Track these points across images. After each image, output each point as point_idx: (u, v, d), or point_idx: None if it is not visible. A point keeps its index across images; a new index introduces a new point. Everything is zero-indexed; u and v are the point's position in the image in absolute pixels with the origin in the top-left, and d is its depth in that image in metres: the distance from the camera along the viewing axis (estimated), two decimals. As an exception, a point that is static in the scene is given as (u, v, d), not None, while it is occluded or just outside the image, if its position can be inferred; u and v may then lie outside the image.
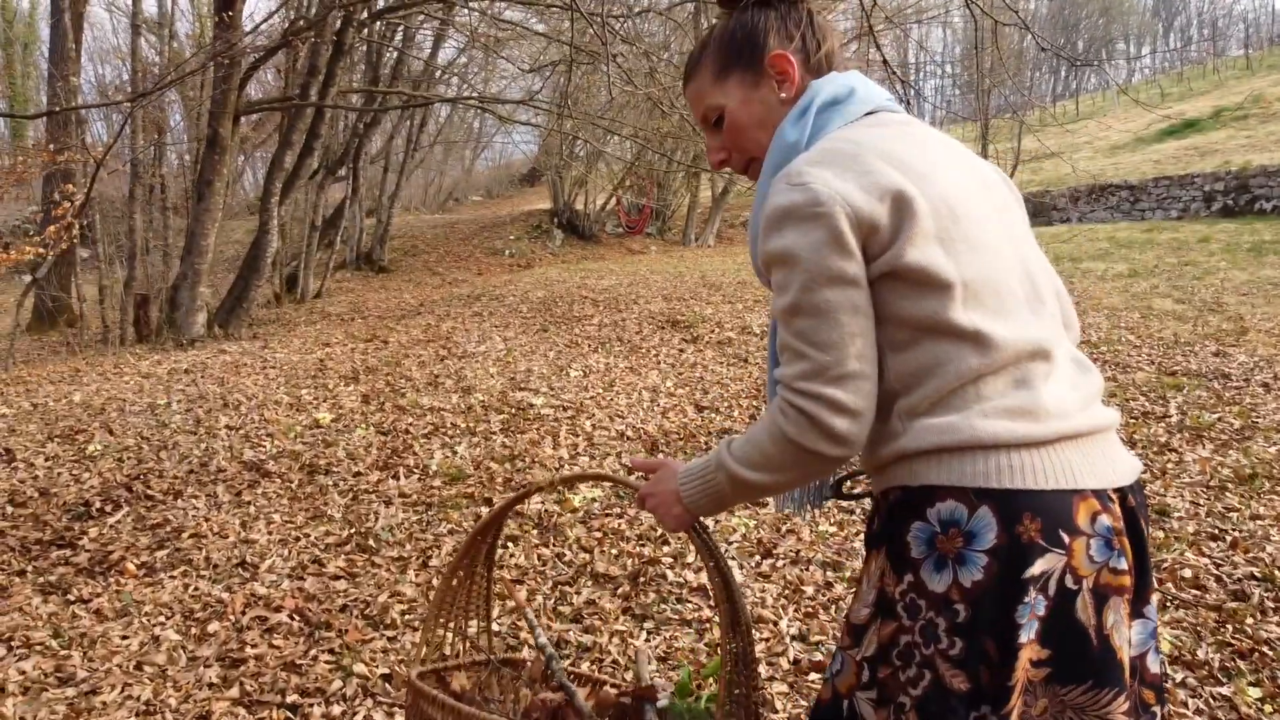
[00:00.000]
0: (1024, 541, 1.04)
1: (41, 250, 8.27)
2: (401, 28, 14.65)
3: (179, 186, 14.54)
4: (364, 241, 20.12)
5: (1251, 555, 3.02)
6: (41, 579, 3.31)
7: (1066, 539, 1.04)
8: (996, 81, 23.43)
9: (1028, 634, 1.04)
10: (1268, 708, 2.19)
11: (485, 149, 35.26)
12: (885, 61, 7.64)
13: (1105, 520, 1.07)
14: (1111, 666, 1.07)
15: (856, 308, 1.12)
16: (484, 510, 3.84)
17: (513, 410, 5.55)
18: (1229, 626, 2.57)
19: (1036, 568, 1.04)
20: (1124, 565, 1.09)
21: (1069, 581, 1.05)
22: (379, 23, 13.03)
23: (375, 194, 21.49)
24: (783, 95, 1.29)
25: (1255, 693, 2.24)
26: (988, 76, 22.60)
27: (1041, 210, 20.93)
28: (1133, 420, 4.88)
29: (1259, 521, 3.30)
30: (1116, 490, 1.12)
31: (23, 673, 2.60)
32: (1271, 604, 2.69)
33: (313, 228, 16.19)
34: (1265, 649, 2.45)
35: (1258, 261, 11.51)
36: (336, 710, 2.36)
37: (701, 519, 1.35)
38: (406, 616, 2.90)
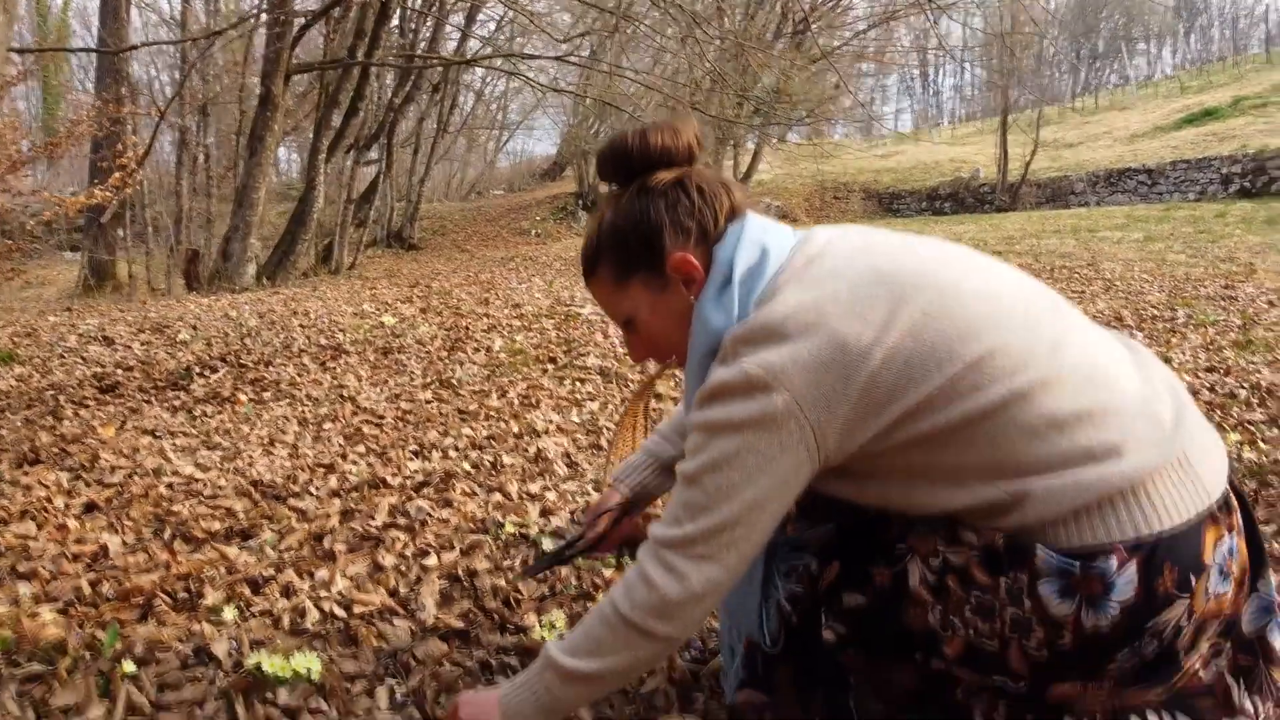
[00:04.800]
0: (1159, 595, 1.00)
1: (109, 195, 8.75)
2: (436, 4, 15.13)
3: (223, 154, 15.06)
4: (394, 220, 20.65)
5: (1239, 379, 3.41)
6: (166, 404, 3.75)
7: (1193, 581, 1.01)
8: (1012, 72, 23.75)
9: (1118, 666, 1.03)
10: (1246, 449, 2.58)
11: (510, 139, 35.76)
12: (942, 41, 7.97)
13: (1226, 542, 1.04)
14: (1169, 660, 1.06)
15: (760, 503, 1.05)
16: (550, 366, 4.26)
17: (562, 316, 5.97)
18: (1217, 412, 2.97)
19: (1162, 617, 1.01)
20: (1227, 588, 1.06)
21: (1183, 623, 1.02)
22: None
23: (404, 179, 22.06)
24: (692, 297, 1.20)
25: (1234, 436, 2.64)
26: (1004, 73, 22.95)
27: (1060, 195, 21.22)
28: (1142, 321, 5.24)
29: (1251, 362, 3.69)
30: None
31: (173, 444, 3.03)
32: (1256, 402, 3.09)
33: (348, 201, 16.70)
34: (1248, 425, 2.85)
35: (1272, 229, 11.78)
36: (453, 454, 2.79)
37: None
38: (496, 418, 3.32)
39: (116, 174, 9.03)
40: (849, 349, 1.01)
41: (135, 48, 9.91)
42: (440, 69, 17.47)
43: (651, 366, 1.58)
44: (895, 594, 1.10)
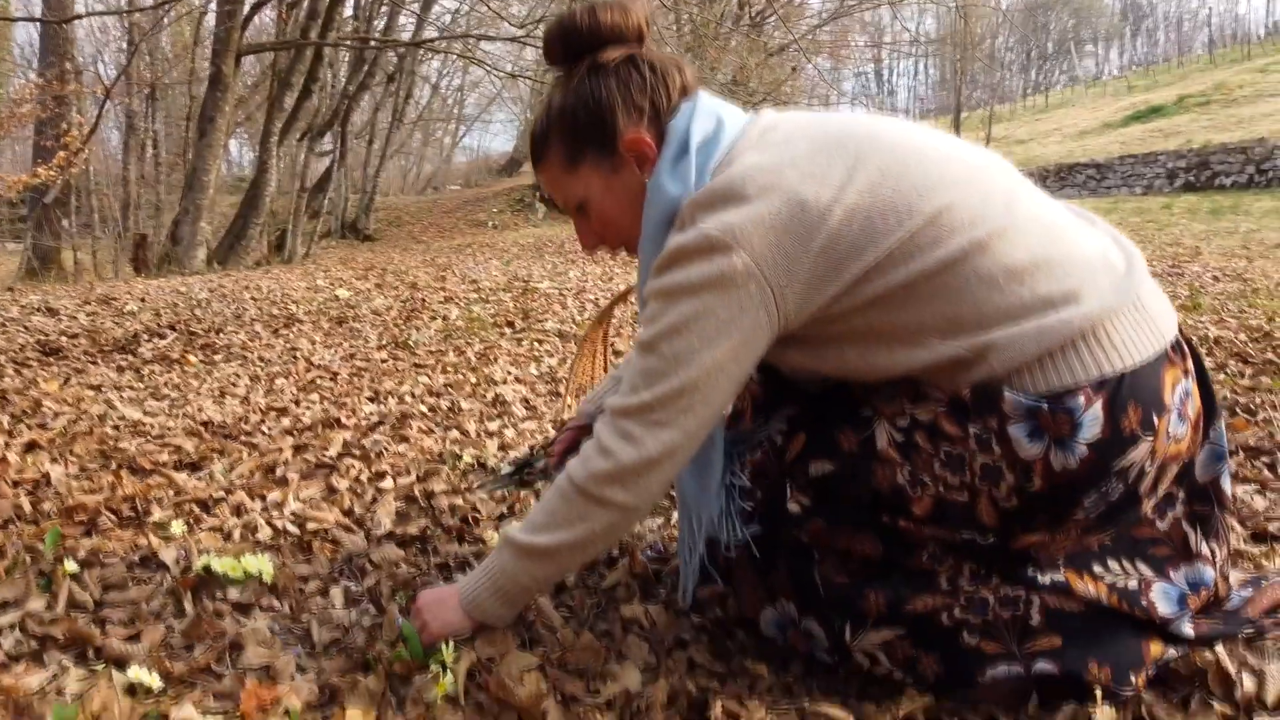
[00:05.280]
0: (1125, 433, 1.00)
1: (53, 175, 8.53)
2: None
3: (173, 143, 14.78)
4: (349, 211, 20.40)
5: (1187, 334, 3.49)
6: (113, 365, 3.66)
7: (1156, 421, 1.02)
8: (968, 65, 24.08)
9: (1084, 513, 1.04)
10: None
11: (466, 134, 35.57)
12: (905, 24, 8.04)
13: (1182, 385, 1.06)
14: (1130, 507, 1.09)
15: (719, 367, 1.04)
16: (508, 330, 4.22)
17: (520, 289, 5.93)
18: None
19: (1128, 458, 1.02)
20: (1185, 431, 1.07)
21: (1146, 465, 1.04)
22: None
23: (359, 172, 21.80)
24: (646, 178, 1.17)
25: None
26: (959, 67, 23.29)
27: (1012, 189, 21.55)
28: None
29: (1199, 321, 3.77)
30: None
31: (119, 395, 2.95)
32: (1205, 351, 3.16)
33: (301, 190, 16.47)
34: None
35: (1215, 219, 12.09)
36: (408, 399, 2.74)
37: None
38: (454, 371, 3.28)
39: (61, 153, 8.81)
40: (808, 208, 1.01)
41: (80, 17, 9.68)
42: (395, 58, 17.30)
43: (609, 294, 1.56)
44: (864, 457, 1.09)
